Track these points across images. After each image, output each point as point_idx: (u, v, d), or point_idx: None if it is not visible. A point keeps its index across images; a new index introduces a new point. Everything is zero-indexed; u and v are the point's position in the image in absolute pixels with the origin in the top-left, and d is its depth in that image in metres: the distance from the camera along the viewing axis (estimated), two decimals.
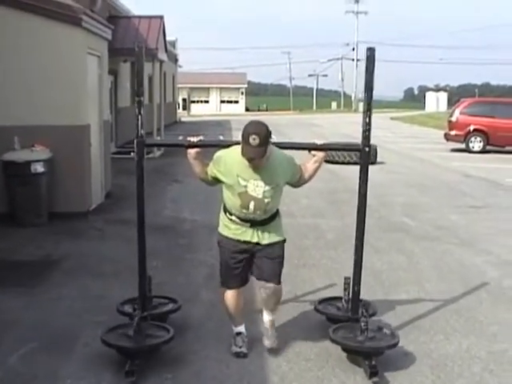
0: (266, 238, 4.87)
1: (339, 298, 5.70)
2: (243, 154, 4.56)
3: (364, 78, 5.08)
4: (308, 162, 5.08)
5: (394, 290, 6.75)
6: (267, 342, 5.04)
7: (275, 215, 4.94)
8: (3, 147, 9.29)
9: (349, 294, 5.46)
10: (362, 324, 4.85)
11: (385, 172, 16.05)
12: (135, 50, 5.29)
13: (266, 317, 5.12)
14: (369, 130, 5.09)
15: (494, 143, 22.88)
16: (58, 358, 4.92)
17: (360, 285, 5.24)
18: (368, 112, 5.08)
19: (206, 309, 6.05)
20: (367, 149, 5.12)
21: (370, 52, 5.06)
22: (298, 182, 5.04)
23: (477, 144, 22.99)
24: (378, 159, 17.62)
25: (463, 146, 23.16)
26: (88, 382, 4.50)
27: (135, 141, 5.22)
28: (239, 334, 5.11)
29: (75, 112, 9.81)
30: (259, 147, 4.49)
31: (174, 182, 13.99)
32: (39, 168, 9.28)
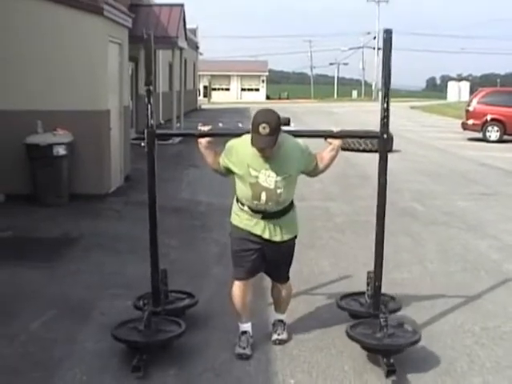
0: (278, 235, 4.71)
1: (362, 293, 5.47)
2: (253, 143, 4.40)
3: (381, 65, 4.92)
4: (324, 150, 4.91)
5: (397, 269, 7.01)
6: (275, 336, 5.01)
7: (289, 208, 4.77)
8: (27, 131, 9.67)
9: (372, 288, 5.24)
10: (382, 320, 4.67)
11: (400, 160, 16.27)
12: (144, 38, 5.11)
13: (277, 316, 5.14)
14: (387, 117, 4.91)
15: (511, 133, 22.95)
16: (77, 325, 5.30)
17: (381, 280, 5.07)
18: (386, 98, 4.90)
19: (217, 283, 6.42)
20: (385, 136, 4.93)
21: (387, 34, 4.87)
22: (313, 171, 4.86)
23: (494, 133, 23.06)
24: (395, 147, 17.80)
25: (480, 135, 23.24)
26: (105, 345, 4.84)
27: (145, 131, 5.03)
28: (244, 333, 4.93)
29: (96, 97, 10.19)
30: (269, 136, 4.32)
31: (192, 167, 14.33)
32: (61, 151, 9.67)
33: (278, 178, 4.52)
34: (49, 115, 9.80)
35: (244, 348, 4.81)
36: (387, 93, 4.91)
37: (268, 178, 4.51)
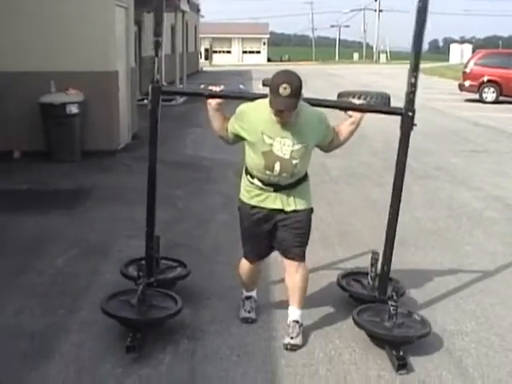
0: (291, 204, 4.34)
1: (365, 274, 5.17)
2: (271, 105, 4.01)
3: (413, 32, 4.39)
4: (342, 123, 4.53)
5: (386, 216, 7.59)
6: (287, 340, 4.38)
7: (302, 179, 4.42)
8: (41, 91, 10.24)
9: (375, 270, 4.99)
10: (391, 308, 4.35)
11: (397, 120, 16.75)
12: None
13: (292, 315, 4.53)
14: (413, 93, 4.38)
15: (507, 94, 23.40)
16: (98, 260, 5.96)
17: (390, 264, 4.74)
18: (415, 72, 4.34)
19: (221, 227, 7.07)
20: (410, 114, 4.48)
21: (422, 2, 4.33)
22: (330, 144, 4.49)
23: (490, 94, 23.53)
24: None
25: (477, 96, 23.72)
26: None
27: (150, 86, 4.52)
28: (249, 298, 4.78)
29: (105, 59, 10.74)
30: (290, 98, 3.94)
31: (195, 126, 14.86)
32: (74, 109, 10.26)
33: (295, 148, 4.16)
34: (61, 76, 10.33)
35: (249, 312, 4.71)
36: (417, 65, 4.38)
37: (283, 147, 4.15)
